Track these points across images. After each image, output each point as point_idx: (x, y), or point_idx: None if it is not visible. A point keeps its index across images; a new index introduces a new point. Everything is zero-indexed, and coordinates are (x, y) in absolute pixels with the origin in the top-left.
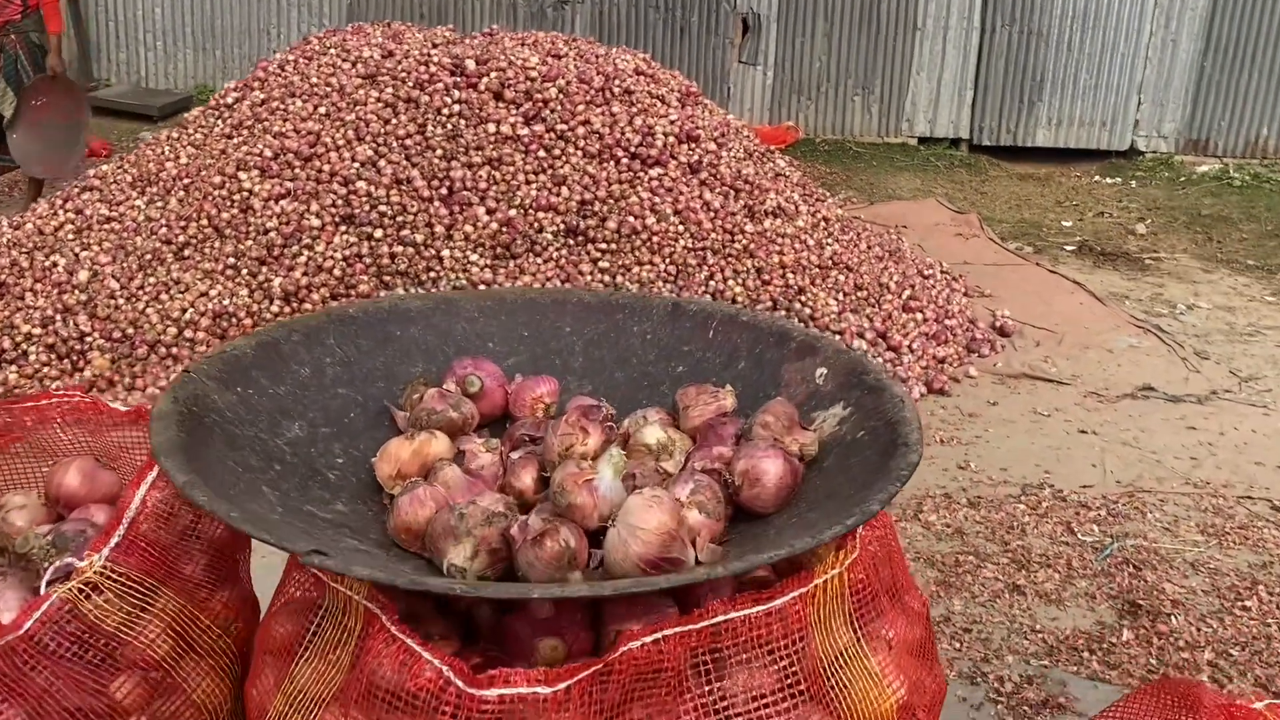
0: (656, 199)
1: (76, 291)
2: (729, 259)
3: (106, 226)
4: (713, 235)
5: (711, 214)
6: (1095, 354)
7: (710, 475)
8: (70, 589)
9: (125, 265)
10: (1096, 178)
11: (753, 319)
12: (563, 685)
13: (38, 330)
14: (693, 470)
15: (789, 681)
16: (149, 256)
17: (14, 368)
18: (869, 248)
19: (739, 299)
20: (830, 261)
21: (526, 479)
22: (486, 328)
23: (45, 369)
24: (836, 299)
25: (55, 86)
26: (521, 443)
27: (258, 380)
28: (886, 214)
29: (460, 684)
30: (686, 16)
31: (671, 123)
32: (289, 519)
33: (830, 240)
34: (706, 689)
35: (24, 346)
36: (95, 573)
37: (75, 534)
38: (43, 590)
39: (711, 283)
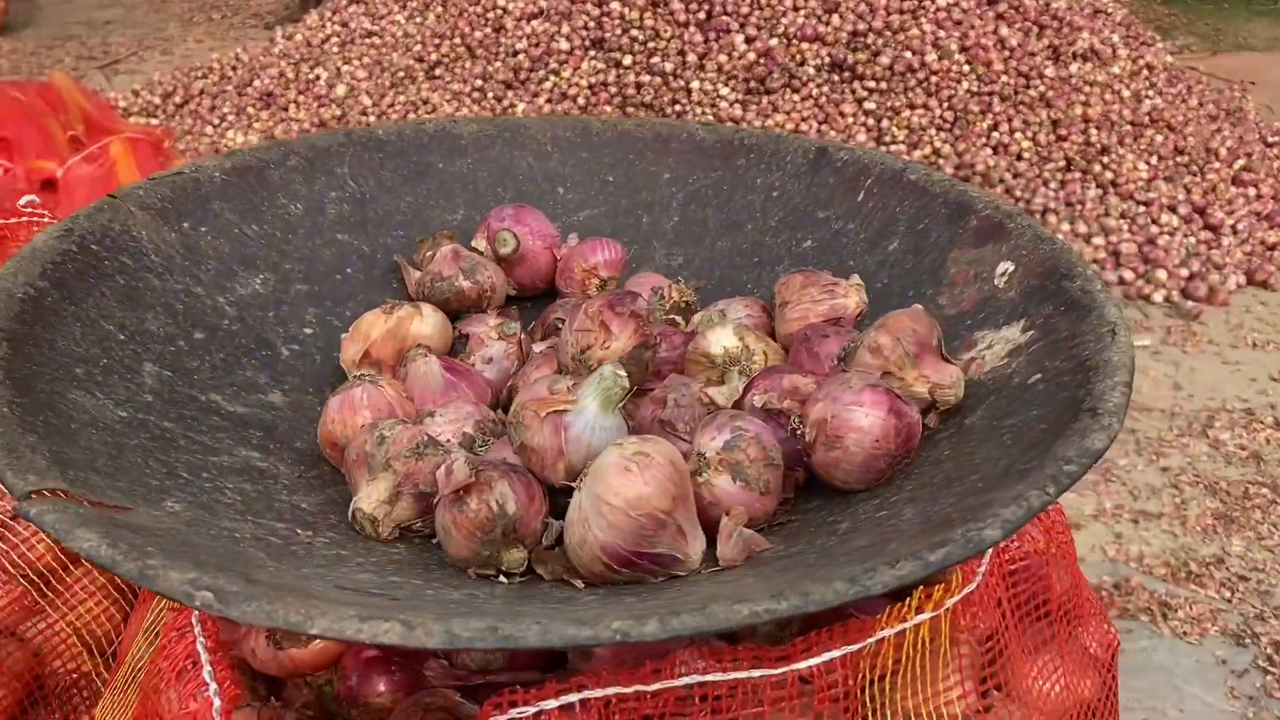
0: (941, 33)
1: (333, 105)
2: (1020, 107)
3: (368, 41)
4: (1004, 78)
5: (1006, 53)
6: None
7: (772, 419)
8: None
9: (379, 82)
10: None
11: (924, 179)
12: None
13: None
14: (747, 408)
15: None
16: (402, 74)
17: None
18: (1200, 105)
19: (1025, 155)
20: (1147, 118)
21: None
22: (559, 167)
23: None
24: (1148, 163)
25: None
26: (555, 330)
27: (220, 215)
28: (1231, 67)
29: None
30: None
31: None
32: (148, 415)
33: (1151, 92)
34: None
35: None
36: None
37: None
38: None
39: (995, 134)
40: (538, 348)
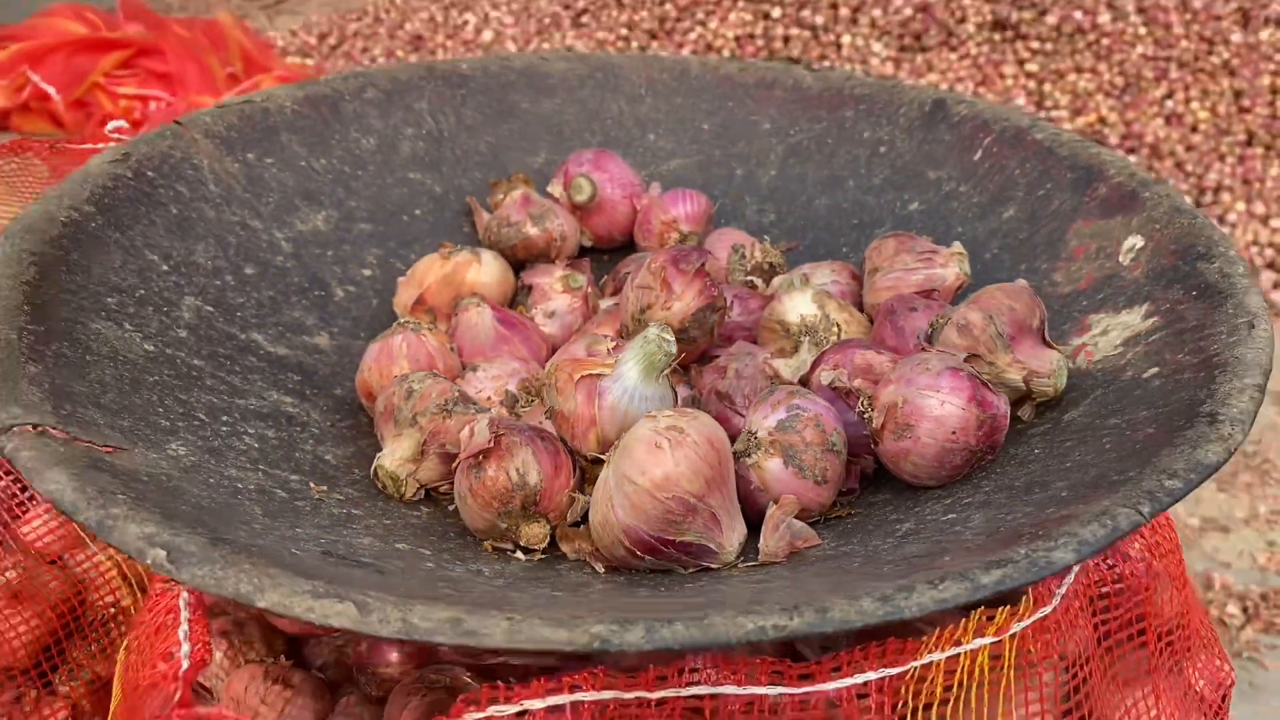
0: None
1: (479, 51)
2: (1199, 75)
3: None
4: (1183, 43)
5: (1188, 16)
6: None
7: (839, 399)
8: None
9: (525, 28)
10: None
11: (1051, 139)
12: None
13: None
14: (814, 384)
15: None
16: (548, 20)
17: None
18: None
19: (1201, 127)
20: None
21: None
22: (653, 112)
23: None
24: None
25: None
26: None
27: (288, 147)
28: None
29: (180, 694)
30: None
31: None
32: (178, 351)
33: None
34: None
35: None
36: None
37: None
38: None
39: (1169, 103)
40: (605, 304)
